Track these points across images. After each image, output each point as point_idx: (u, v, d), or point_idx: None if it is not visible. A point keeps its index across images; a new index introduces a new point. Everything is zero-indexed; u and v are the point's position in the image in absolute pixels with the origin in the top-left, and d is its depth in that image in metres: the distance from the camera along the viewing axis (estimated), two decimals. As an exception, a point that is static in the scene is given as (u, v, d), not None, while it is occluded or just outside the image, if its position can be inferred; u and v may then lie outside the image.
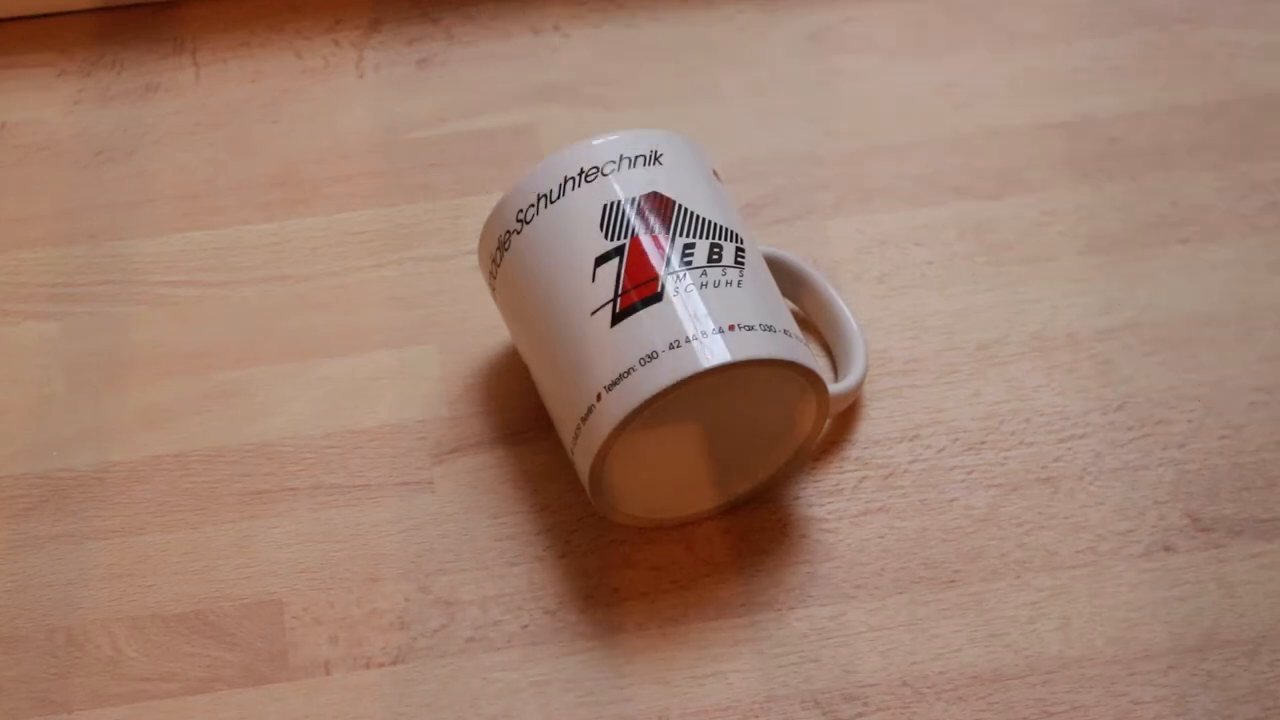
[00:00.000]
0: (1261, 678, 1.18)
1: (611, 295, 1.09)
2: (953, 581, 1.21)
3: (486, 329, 1.31)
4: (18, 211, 1.37)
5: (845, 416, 1.27)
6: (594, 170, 1.12)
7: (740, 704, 1.17)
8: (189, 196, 1.37)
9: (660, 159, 1.13)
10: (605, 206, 1.12)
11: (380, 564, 1.22)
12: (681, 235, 1.11)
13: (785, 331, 1.11)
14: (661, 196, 1.11)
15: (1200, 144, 1.40)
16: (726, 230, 1.13)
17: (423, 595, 1.21)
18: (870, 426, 1.27)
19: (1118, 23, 1.46)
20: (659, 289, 1.09)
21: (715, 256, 1.10)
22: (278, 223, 1.36)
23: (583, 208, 1.13)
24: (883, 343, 1.30)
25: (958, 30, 1.46)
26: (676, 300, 1.08)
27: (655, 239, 1.09)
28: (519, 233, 1.12)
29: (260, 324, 1.32)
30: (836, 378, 1.24)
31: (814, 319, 1.27)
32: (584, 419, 1.10)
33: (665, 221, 1.11)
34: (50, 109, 1.41)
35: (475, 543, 1.23)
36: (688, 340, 1.07)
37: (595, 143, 1.14)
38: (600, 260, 1.10)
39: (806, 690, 1.17)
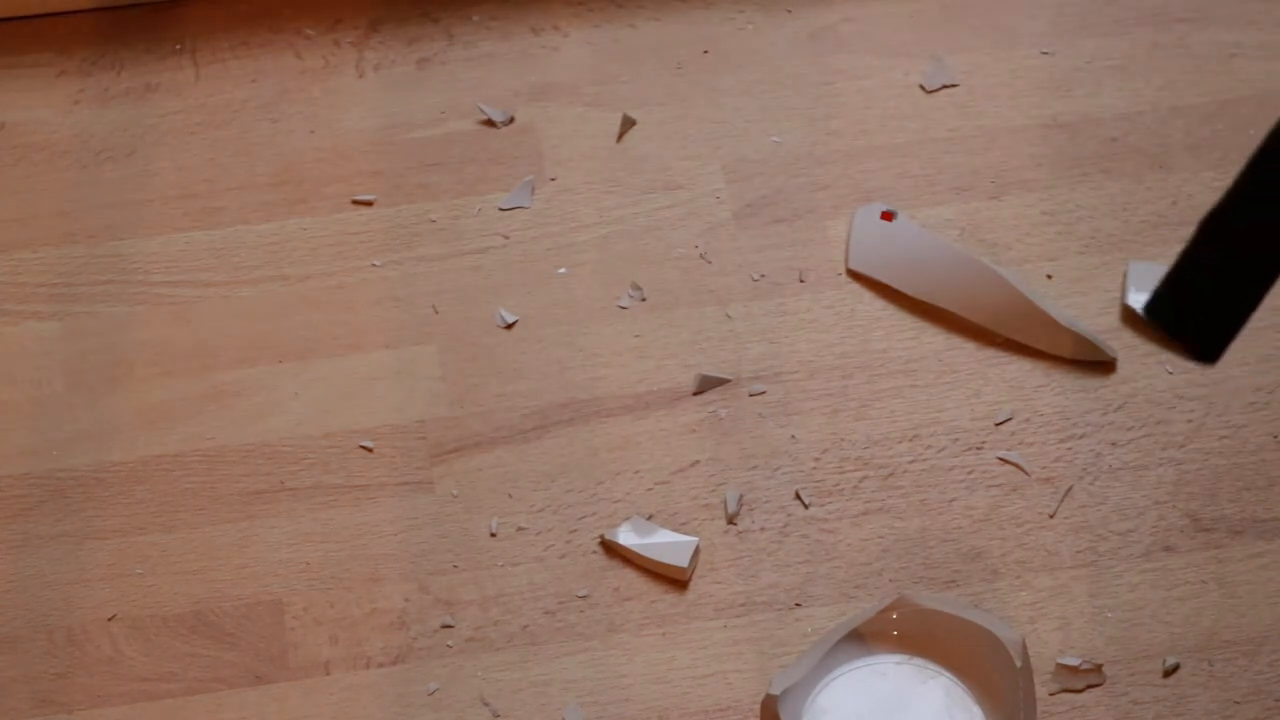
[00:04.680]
0: (1261, 678, 1.18)
1: None
2: (953, 581, 1.21)
3: (486, 329, 1.31)
4: (18, 211, 1.37)
5: (845, 416, 1.28)
6: None
7: (740, 704, 1.17)
8: (189, 196, 1.37)
9: None
10: None
11: (380, 564, 1.22)
12: None
13: None
14: None
15: (1200, 144, 1.40)
16: None
17: (423, 595, 1.21)
18: (870, 426, 1.27)
19: (1118, 23, 1.46)
20: None
21: None
22: (278, 223, 1.36)
23: None
24: (883, 343, 1.30)
25: (958, 30, 1.46)
26: None
27: None
28: None
29: (260, 324, 1.32)
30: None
31: None
32: None
33: None
34: (50, 109, 1.41)
35: (475, 543, 1.23)
36: None
37: None
38: None
39: (806, 690, 1.17)
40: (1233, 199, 0.88)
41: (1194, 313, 0.90)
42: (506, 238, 1.35)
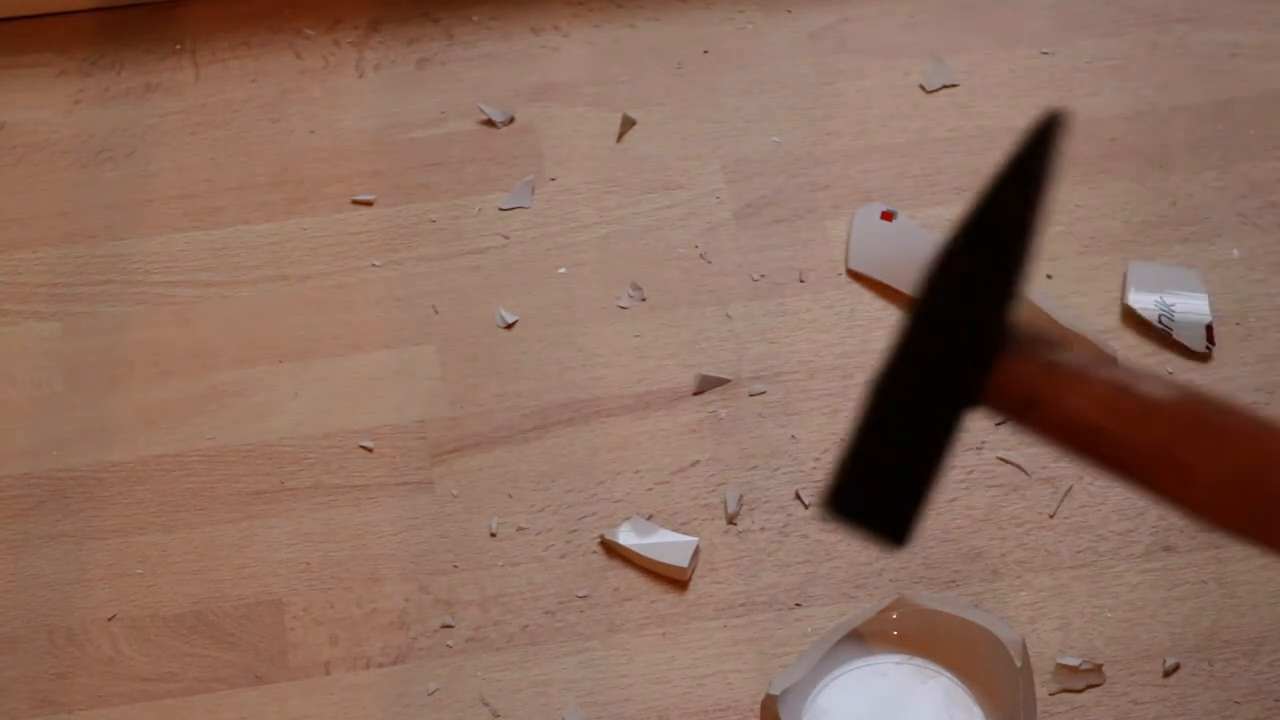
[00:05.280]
0: (1261, 678, 1.18)
1: None
2: (953, 581, 1.21)
3: (486, 329, 1.31)
4: (18, 211, 1.37)
5: (845, 416, 1.28)
6: None
7: (740, 704, 1.17)
8: (189, 196, 1.37)
9: None
10: None
11: (380, 564, 1.22)
12: None
13: None
14: None
15: (1200, 144, 1.40)
16: None
17: (423, 595, 1.21)
18: (870, 426, 1.27)
19: (1118, 23, 1.46)
20: None
21: None
22: (278, 223, 1.36)
23: None
24: (883, 343, 1.30)
25: (958, 30, 1.46)
26: None
27: None
28: None
29: (260, 324, 1.32)
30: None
31: None
32: None
33: None
34: (50, 109, 1.41)
35: (475, 543, 1.23)
36: None
37: None
38: None
39: (806, 690, 1.17)
40: (889, 370, 0.81)
41: (877, 498, 0.81)
42: (506, 238, 1.35)
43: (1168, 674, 1.18)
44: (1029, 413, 0.80)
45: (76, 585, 1.21)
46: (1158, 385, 0.79)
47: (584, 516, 1.24)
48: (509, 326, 1.31)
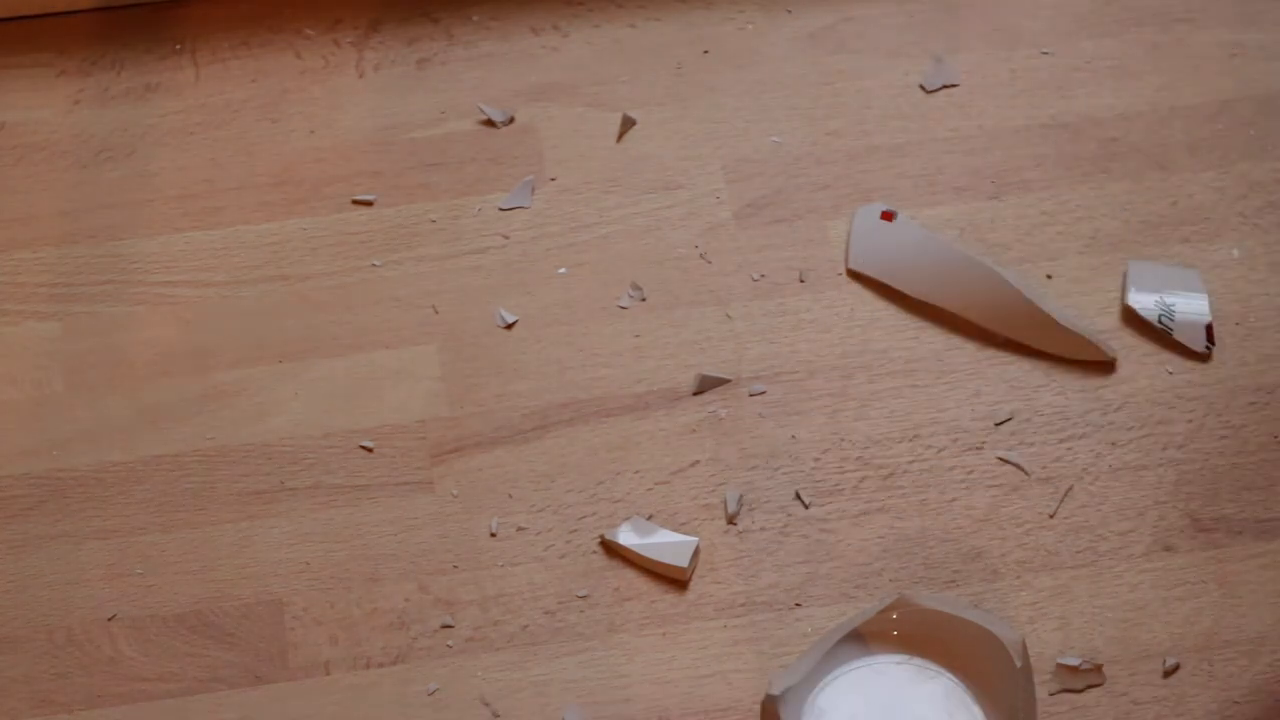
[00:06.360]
0: (1261, 678, 1.18)
1: None
2: (953, 581, 1.21)
3: (486, 329, 1.31)
4: (18, 211, 1.37)
5: (845, 416, 1.28)
6: None
7: (740, 704, 1.17)
8: (189, 196, 1.37)
9: None
10: None
11: (380, 564, 1.22)
12: None
13: None
14: None
15: (1200, 144, 1.40)
16: None
17: (423, 595, 1.21)
18: (870, 426, 1.27)
19: (1118, 23, 1.46)
20: None
21: None
22: (278, 223, 1.36)
23: None
24: (883, 343, 1.30)
25: (958, 30, 1.46)
26: None
27: None
28: None
29: (260, 324, 1.32)
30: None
31: None
32: None
33: None
34: (50, 109, 1.41)
35: (475, 543, 1.23)
36: None
37: None
38: None
39: (806, 690, 1.17)
40: None
41: None
42: (506, 238, 1.35)
43: (1168, 674, 1.18)
44: None
45: (76, 585, 1.21)
46: None
47: (584, 516, 1.24)
48: (509, 326, 1.31)
